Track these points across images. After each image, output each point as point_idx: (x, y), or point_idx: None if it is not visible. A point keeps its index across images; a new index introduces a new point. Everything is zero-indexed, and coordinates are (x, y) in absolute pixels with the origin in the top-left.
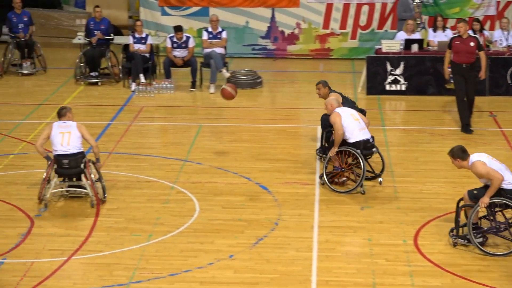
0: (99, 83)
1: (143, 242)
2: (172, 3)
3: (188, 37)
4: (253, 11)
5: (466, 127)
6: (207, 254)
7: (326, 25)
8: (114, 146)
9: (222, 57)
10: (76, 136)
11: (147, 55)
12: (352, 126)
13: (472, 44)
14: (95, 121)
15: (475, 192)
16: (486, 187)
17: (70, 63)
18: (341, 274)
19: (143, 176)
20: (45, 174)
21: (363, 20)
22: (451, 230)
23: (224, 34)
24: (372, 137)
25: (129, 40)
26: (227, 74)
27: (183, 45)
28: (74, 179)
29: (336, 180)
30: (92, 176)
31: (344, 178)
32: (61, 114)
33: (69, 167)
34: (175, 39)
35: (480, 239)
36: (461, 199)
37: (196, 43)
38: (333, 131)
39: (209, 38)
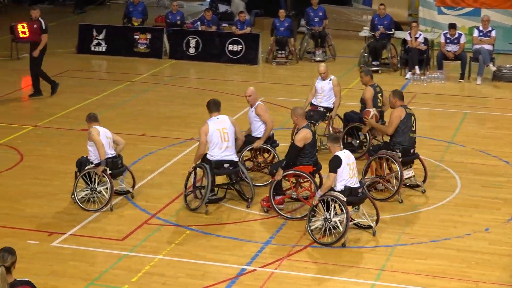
0: (379, 71)
1: (409, 211)
2: (448, 3)
3: (460, 34)
4: None
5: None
6: (465, 225)
7: None
8: None
9: (490, 53)
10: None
11: (423, 48)
12: None
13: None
14: None
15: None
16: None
17: (355, 53)
18: None
19: None
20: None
21: None
22: None
23: (493, 33)
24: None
25: (407, 36)
26: (493, 68)
27: (455, 41)
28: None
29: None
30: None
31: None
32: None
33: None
34: (448, 35)
35: None
36: None
37: (467, 40)
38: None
39: (479, 36)
